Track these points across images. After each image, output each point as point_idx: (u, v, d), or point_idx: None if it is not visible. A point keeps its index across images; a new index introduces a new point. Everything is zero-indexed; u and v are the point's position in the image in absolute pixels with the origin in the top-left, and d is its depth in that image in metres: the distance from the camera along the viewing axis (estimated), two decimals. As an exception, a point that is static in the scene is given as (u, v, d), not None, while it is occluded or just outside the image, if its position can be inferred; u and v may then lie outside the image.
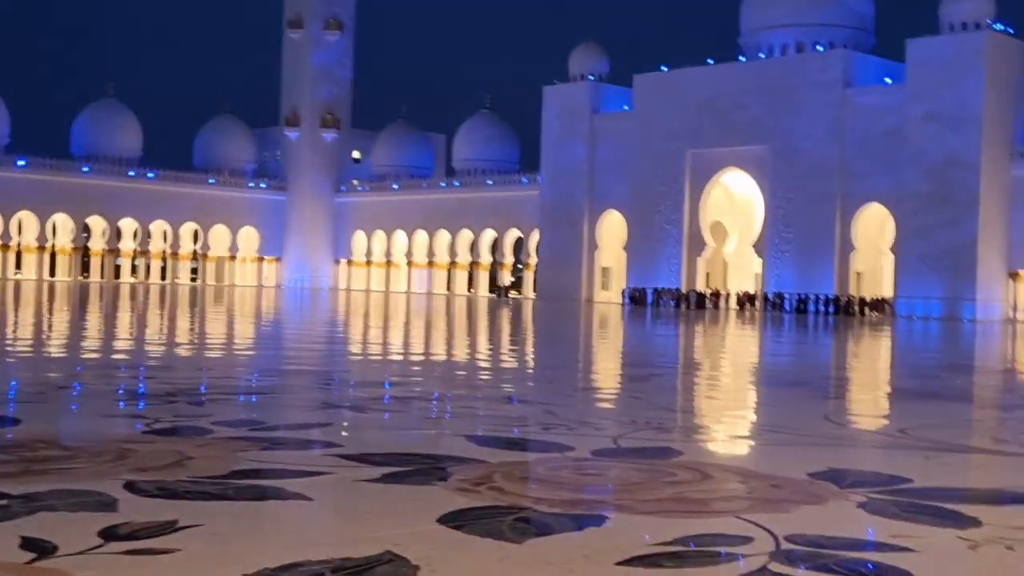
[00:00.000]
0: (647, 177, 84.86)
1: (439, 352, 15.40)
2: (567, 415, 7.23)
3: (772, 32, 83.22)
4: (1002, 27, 72.26)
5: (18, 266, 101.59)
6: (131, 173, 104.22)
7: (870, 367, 16.73)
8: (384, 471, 4.70)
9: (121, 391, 8.32)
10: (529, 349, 17.42)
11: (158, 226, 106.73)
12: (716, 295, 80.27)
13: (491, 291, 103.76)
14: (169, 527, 3.58)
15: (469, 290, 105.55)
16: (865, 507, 4.37)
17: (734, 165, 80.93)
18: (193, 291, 68.12)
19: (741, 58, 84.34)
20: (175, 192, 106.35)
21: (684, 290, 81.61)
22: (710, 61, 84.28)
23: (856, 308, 72.42)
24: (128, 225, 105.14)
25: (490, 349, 16.71)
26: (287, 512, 3.95)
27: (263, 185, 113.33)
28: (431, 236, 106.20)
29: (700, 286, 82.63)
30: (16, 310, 26.56)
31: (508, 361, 13.96)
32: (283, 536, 3.66)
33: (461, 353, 15.40)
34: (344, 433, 6.06)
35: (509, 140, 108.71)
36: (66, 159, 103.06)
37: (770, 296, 76.87)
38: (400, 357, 13.96)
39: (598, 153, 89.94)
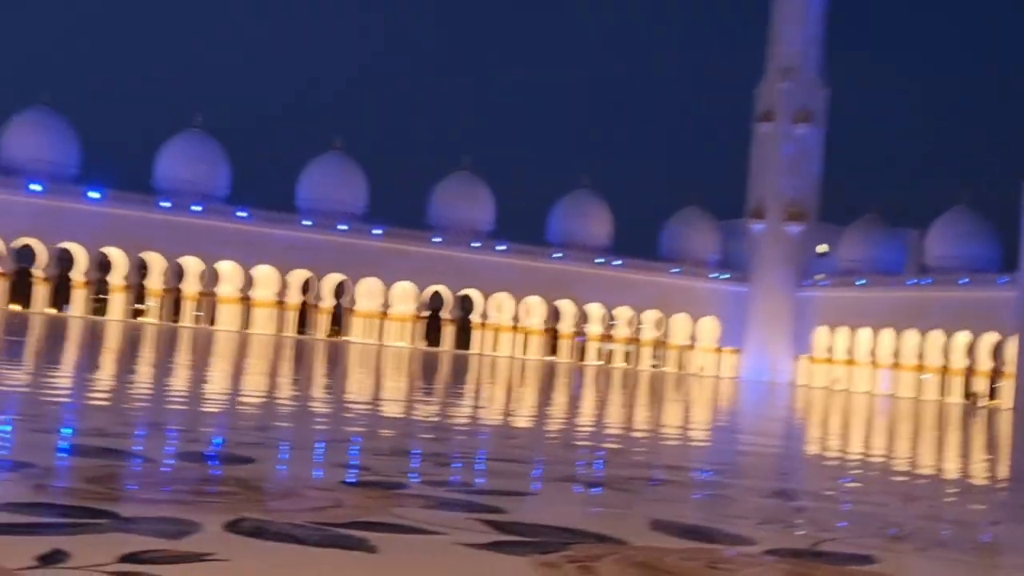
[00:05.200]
0: None
1: (827, 448, 14.52)
2: (813, 513, 6.52)
3: None
4: None
5: (494, 345, 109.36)
6: (598, 260, 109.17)
7: None
8: (501, 538, 4.50)
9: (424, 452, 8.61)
10: (926, 458, 15.92)
11: (622, 311, 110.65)
12: None
13: (965, 398, 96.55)
14: (193, 558, 3.62)
15: (940, 396, 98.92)
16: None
17: None
18: (653, 377, 69.47)
19: None
20: (639, 279, 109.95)
21: None
22: None
23: None
24: (594, 310, 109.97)
25: (884, 453, 15.47)
26: (326, 559, 3.87)
27: (725, 276, 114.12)
28: (898, 335, 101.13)
29: None
30: (512, 387, 28.58)
31: (888, 464, 12.81)
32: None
33: (850, 451, 14.36)
34: (522, 503, 5.84)
35: (988, 237, 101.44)
36: (542, 245, 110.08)
37: None
38: (764, 449, 13.34)
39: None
